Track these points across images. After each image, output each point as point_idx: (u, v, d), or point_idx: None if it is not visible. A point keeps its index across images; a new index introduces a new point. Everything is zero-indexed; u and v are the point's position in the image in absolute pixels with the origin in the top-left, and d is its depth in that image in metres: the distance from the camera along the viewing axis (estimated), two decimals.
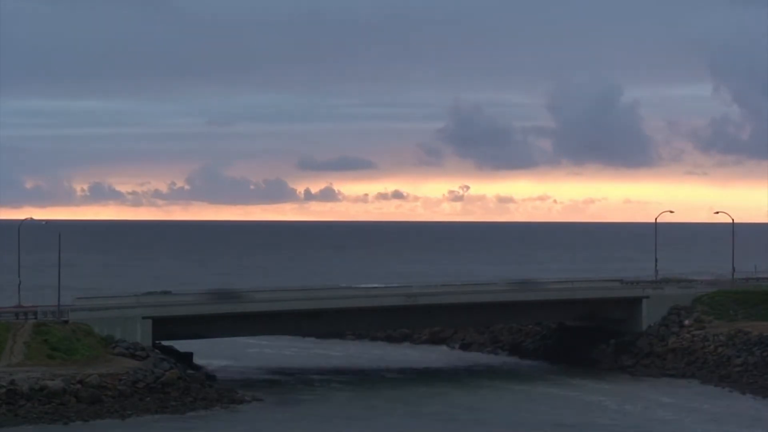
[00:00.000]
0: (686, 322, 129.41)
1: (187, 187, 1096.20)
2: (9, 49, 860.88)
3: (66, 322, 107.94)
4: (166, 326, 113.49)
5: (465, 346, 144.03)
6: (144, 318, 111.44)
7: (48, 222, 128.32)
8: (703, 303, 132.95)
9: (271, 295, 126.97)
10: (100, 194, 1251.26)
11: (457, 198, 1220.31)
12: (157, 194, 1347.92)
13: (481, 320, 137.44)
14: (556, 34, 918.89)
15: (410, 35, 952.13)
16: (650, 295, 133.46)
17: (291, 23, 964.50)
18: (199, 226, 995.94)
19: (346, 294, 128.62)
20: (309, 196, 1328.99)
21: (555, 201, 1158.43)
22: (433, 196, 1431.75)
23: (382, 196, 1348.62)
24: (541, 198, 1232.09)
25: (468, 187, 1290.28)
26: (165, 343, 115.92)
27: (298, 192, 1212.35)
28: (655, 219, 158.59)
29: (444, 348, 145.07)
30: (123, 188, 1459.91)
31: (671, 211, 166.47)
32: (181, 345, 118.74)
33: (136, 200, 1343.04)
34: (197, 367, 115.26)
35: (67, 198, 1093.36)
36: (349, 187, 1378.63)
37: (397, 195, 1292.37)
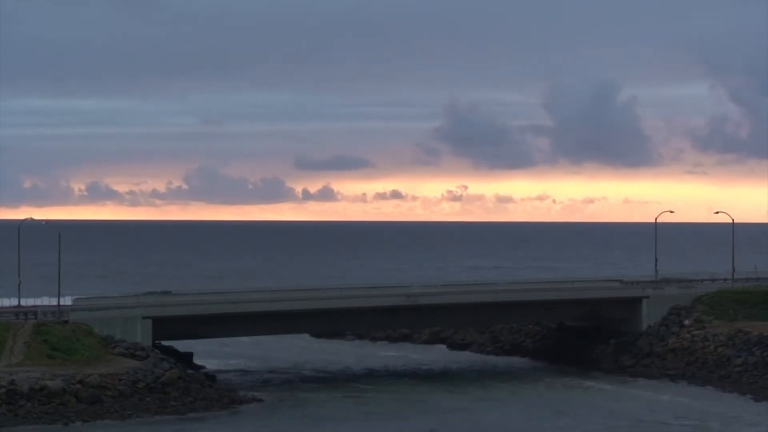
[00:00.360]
0: (686, 322, 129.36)
1: (184, 186, 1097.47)
2: (6, 48, 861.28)
3: (66, 322, 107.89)
4: (166, 326, 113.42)
5: (465, 346, 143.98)
6: (144, 318, 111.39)
7: (48, 222, 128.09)
8: (703, 303, 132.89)
9: (271, 296, 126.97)
10: (97, 194, 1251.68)
11: (455, 198, 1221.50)
12: (155, 194, 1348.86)
13: (481, 320, 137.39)
14: (554, 32, 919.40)
15: (408, 34, 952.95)
16: (650, 295, 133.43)
17: (288, 23, 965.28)
18: (197, 226, 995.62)
19: (346, 294, 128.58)
20: (307, 196, 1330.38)
21: (554, 201, 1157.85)
22: (431, 195, 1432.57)
23: (381, 196, 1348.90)
24: (540, 198, 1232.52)
25: (466, 187, 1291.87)
26: (165, 343, 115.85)
27: (296, 192, 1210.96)
28: (655, 219, 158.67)
29: (444, 348, 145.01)
30: (120, 188, 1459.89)
31: (671, 211, 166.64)
32: (181, 345, 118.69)
33: (133, 200, 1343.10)
34: (197, 367, 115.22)
35: (65, 198, 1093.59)
36: (348, 186, 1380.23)
37: (396, 195, 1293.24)
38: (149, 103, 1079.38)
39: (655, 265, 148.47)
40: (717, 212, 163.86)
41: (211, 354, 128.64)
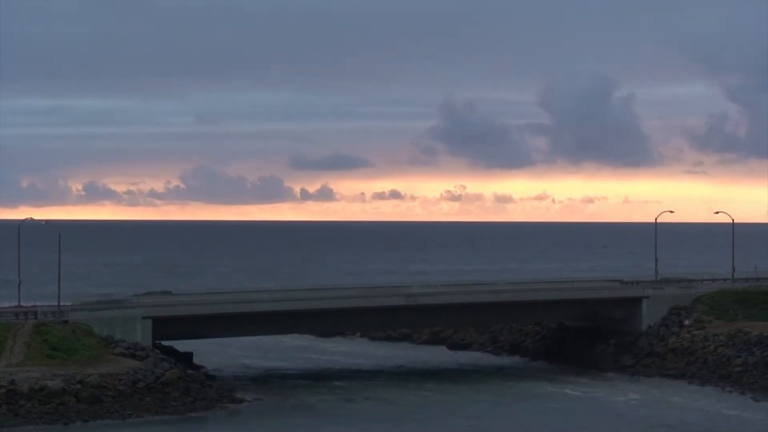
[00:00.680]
0: (686, 322, 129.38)
1: (182, 186, 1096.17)
2: (3, 47, 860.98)
3: (66, 322, 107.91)
4: (166, 326, 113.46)
5: (465, 346, 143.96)
6: (144, 318, 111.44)
7: (48, 222, 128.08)
8: (703, 303, 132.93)
9: (271, 296, 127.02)
10: (95, 194, 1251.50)
11: (454, 198, 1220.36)
12: (153, 194, 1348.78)
13: (481, 320, 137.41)
14: (553, 31, 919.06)
15: (407, 33, 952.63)
16: (650, 295, 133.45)
17: (287, 22, 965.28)
18: (196, 226, 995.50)
19: (346, 294, 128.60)
20: (306, 196, 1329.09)
21: (553, 200, 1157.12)
22: (430, 195, 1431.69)
23: (379, 196, 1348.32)
24: (539, 197, 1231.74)
25: (465, 187, 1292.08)
26: (165, 343, 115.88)
27: (294, 191, 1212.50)
28: (655, 219, 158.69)
29: (444, 348, 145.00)
30: (118, 188, 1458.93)
31: (671, 211, 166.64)
32: (181, 345, 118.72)
33: (132, 200, 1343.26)
34: (197, 367, 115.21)
35: (63, 198, 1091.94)
36: (346, 186, 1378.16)
37: (395, 194, 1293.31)
38: (147, 102, 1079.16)
39: (655, 265, 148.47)
40: (717, 212, 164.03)
41: (211, 354, 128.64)
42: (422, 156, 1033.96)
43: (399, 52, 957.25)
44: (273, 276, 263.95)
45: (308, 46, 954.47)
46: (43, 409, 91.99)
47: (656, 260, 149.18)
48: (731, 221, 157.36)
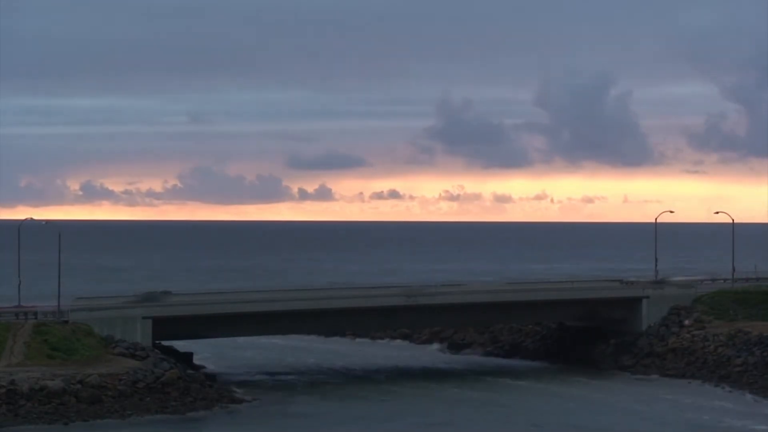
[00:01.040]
0: (686, 322, 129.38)
1: (180, 186, 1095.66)
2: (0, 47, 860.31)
3: (66, 322, 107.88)
4: (166, 326, 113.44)
5: (465, 346, 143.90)
6: (144, 318, 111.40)
7: (48, 222, 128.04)
8: (703, 303, 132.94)
9: (271, 296, 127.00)
10: (93, 194, 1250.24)
11: (453, 197, 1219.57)
12: (151, 193, 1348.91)
13: (481, 320, 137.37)
14: (552, 30, 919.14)
15: (406, 32, 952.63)
16: (650, 295, 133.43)
17: (286, 21, 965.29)
18: (194, 226, 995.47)
19: (346, 294, 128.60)
20: (304, 195, 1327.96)
21: (552, 200, 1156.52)
22: (429, 195, 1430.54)
23: (378, 195, 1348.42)
24: (538, 197, 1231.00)
25: (464, 186, 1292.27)
26: (165, 343, 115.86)
27: (292, 191, 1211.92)
28: (655, 219, 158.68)
29: (444, 348, 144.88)
30: (116, 187, 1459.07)
31: (671, 211, 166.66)
32: (181, 345, 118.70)
33: (129, 200, 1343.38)
34: (197, 367, 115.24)
35: (60, 197, 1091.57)
36: (345, 186, 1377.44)
37: (393, 194, 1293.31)
38: (144, 102, 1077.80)
39: (655, 265, 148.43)
40: (717, 212, 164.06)
41: (211, 354, 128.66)
42: (420, 155, 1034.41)
43: (398, 51, 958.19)
44: (274, 276, 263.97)
45: (307, 45, 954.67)
46: (43, 409, 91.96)
47: (656, 260, 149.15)
48: (731, 221, 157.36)
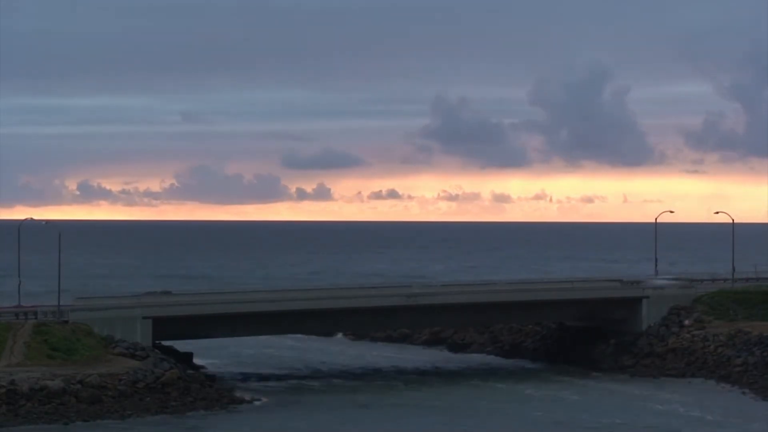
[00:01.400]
0: (686, 322, 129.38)
1: (178, 186, 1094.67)
2: None
3: (66, 322, 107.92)
4: (166, 326, 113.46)
5: (465, 346, 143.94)
6: (144, 318, 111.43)
7: (48, 222, 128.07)
8: (703, 303, 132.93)
9: (271, 296, 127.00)
10: (90, 194, 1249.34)
11: (451, 197, 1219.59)
12: (149, 193, 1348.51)
13: (481, 320, 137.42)
14: (550, 28, 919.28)
15: (405, 31, 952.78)
16: (650, 295, 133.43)
17: (283, 20, 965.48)
18: (193, 226, 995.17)
19: (346, 294, 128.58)
20: (302, 195, 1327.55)
21: (551, 200, 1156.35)
22: (428, 195, 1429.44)
23: (377, 195, 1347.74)
24: (537, 196, 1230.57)
25: (462, 187, 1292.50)
26: (165, 343, 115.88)
27: (291, 191, 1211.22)
28: (655, 219, 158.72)
29: (444, 348, 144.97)
30: (114, 187, 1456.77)
31: (671, 211, 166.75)
32: (181, 345, 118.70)
33: (127, 200, 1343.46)
34: (197, 367, 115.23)
35: (58, 197, 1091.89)
36: (343, 185, 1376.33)
37: (392, 194, 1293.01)
38: (142, 101, 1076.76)
39: (655, 265, 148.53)
40: (717, 212, 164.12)
41: (211, 354, 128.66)
42: (418, 155, 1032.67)
43: (397, 50, 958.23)
44: (274, 277, 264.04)
45: (305, 44, 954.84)
46: (43, 409, 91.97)
47: (656, 260, 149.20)
48: (731, 221, 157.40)
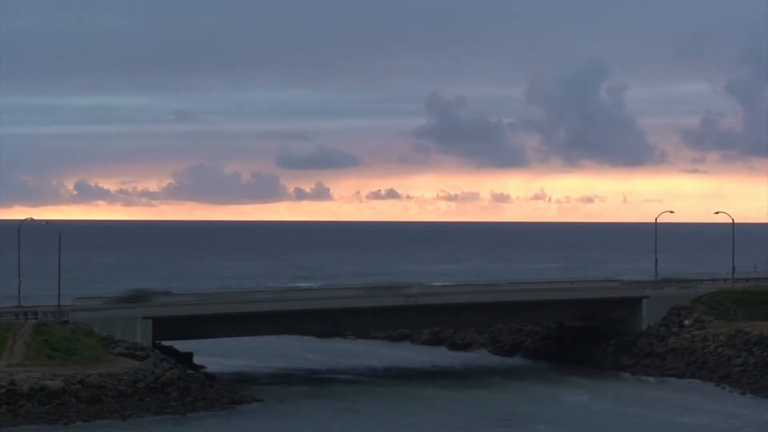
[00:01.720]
0: (686, 322, 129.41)
1: (176, 186, 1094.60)
2: None
3: (66, 322, 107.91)
4: (166, 326, 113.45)
5: (465, 346, 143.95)
6: (144, 318, 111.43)
7: (48, 222, 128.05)
8: (703, 303, 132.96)
9: (271, 296, 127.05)
10: (89, 193, 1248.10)
11: (450, 197, 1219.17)
12: (146, 193, 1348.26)
13: (481, 320, 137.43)
14: (549, 28, 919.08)
15: (405, 31, 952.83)
16: (650, 295, 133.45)
17: (281, 20, 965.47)
18: (192, 226, 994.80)
19: (346, 294, 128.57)
20: (301, 195, 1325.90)
21: (550, 200, 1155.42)
22: (427, 195, 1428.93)
23: (375, 195, 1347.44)
24: (537, 196, 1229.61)
25: (461, 187, 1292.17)
26: (165, 343, 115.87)
27: (289, 191, 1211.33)
28: (655, 219, 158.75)
29: (444, 348, 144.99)
30: (112, 187, 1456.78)
31: (671, 212, 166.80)
32: (181, 345, 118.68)
33: (126, 200, 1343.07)
34: (197, 367, 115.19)
35: (57, 197, 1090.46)
36: (342, 185, 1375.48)
37: (391, 194, 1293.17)
38: (138, 101, 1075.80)
39: (655, 265, 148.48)
40: (717, 212, 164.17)
41: (211, 354, 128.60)
42: (417, 154, 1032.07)
43: (390, 49, 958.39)
44: (275, 277, 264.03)
45: (303, 43, 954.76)
46: (43, 409, 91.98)
47: (656, 260, 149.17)
48: (731, 221, 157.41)
